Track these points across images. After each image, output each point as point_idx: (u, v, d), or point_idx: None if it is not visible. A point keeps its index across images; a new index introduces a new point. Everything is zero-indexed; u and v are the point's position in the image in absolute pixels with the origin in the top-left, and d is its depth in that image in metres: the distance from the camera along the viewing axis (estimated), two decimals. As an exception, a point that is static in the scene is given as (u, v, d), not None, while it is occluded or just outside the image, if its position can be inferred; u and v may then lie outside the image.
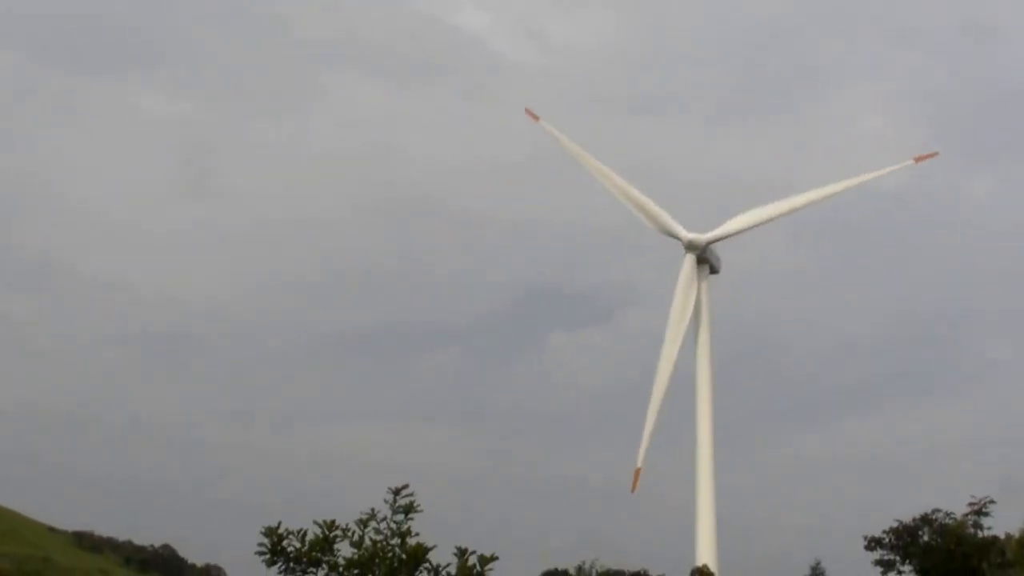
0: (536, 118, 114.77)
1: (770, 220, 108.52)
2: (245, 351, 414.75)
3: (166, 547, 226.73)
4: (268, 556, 26.21)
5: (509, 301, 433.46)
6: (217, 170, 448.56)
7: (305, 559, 26.30)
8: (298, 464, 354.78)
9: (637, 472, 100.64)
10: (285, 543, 26.35)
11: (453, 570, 27.12)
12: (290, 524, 26.81)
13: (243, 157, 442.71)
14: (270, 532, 26.29)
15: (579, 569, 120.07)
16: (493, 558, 27.52)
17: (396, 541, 27.01)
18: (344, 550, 26.81)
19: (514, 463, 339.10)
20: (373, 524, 27.05)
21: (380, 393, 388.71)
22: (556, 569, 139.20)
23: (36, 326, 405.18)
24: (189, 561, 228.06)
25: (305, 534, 26.53)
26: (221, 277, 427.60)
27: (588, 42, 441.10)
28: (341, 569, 26.50)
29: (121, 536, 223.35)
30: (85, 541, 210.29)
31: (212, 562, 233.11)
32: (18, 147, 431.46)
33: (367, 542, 26.89)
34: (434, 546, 27.28)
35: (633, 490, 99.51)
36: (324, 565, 26.48)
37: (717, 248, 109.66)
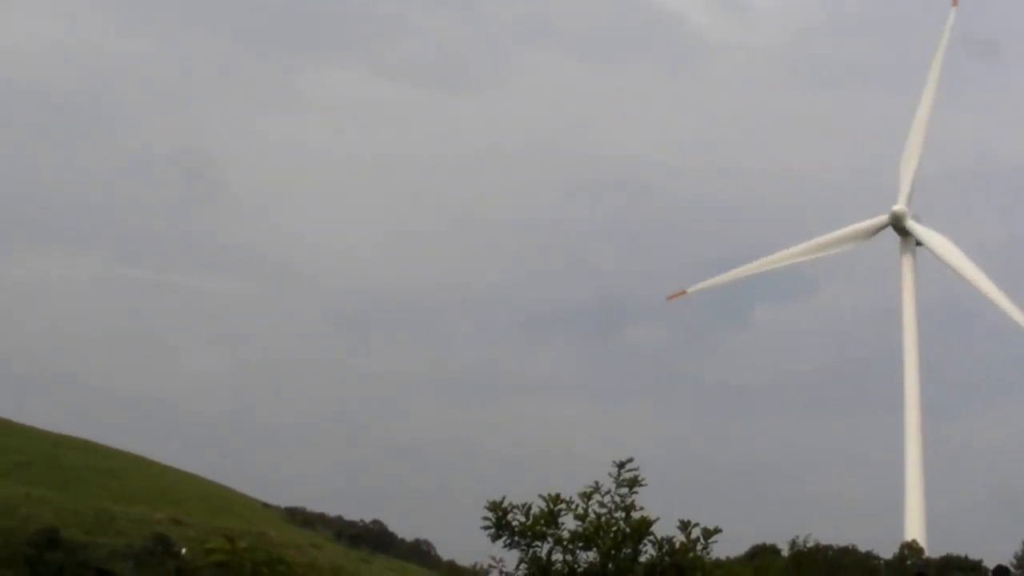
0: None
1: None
2: (456, 327, 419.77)
3: (376, 522, 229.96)
4: (493, 530, 26.11)
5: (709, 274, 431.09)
6: (415, 151, 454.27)
7: (530, 533, 26.12)
8: (507, 439, 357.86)
9: (682, 293, 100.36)
10: (510, 517, 26.22)
11: (677, 544, 26.78)
12: (494, 499, 26.64)
13: (443, 137, 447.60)
14: (495, 506, 26.17)
15: (792, 543, 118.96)
16: (716, 531, 27.17)
17: (620, 515, 26.70)
18: (568, 523, 26.59)
19: (728, 439, 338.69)
20: (597, 497, 26.77)
21: (588, 369, 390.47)
22: (766, 544, 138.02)
23: (251, 305, 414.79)
24: (399, 536, 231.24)
25: (530, 508, 26.34)
26: (427, 252, 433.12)
27: (792, 14, 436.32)
28: (566, 542, 26.27)
29: (332, 512, 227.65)
30: (297, 516, 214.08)
31: (421, 537, 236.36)
32: (225, 132, 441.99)
33: (591, 515, 26.62)
34: (657, 519, 26.96)
35: (669, 298, 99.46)
36: (549, 539, 26.28)
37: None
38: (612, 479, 26.92)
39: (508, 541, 26.07)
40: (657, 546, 26.65)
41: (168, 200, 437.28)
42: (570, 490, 26.85)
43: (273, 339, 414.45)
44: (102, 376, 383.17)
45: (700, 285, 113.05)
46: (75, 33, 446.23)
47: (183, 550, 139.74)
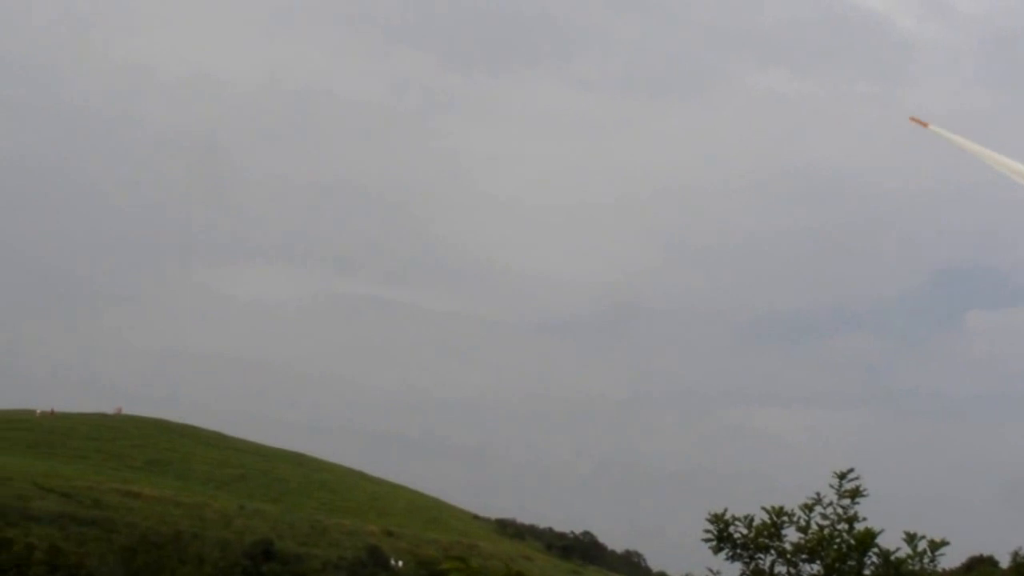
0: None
1: None
2: (665, 333, 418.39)
3: (586, 534, 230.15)
4: (715, 542, 25.67)
5: (921, 281, 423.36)
6: (624, 157, 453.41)
7: (752, 545, 25.61)
8: (717, 450, 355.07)
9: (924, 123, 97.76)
10: (732, 529, 25.75)
11: (903, 555, 25.99)
12: (715, 511, 26.20)
13: (646, 145, 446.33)
14: (717, 518, 25.72)
15: (1014, 555, 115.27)
16: (943, 543, 26.27)
17: (843, 526, 26.01)
18: (790, 536, 25.99)
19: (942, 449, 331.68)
20: (819, 509, 26.11)
21: (797, 377, 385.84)
22: (983, 555, 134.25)
23: (458, 318, 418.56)
24: (609, 547, 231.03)
25: (752, 520, 25.84)
26: (643, 258, 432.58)
27: (999, 15, 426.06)
28: (789, 555, 25.68)
29: (542, 523, 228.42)
30: (508, 528, 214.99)
31: (631, 548, 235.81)
32: (436, 146, 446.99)
33: (813, 527, 25.99)
34: (881, 531, 26.19)
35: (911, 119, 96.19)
36: (771, 551, 25.73)
37: None
38: (833, 490, 26.28)
39: (730, 553, 25.66)
40: (882, 558, 25.89)
41: (377, 217, 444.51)
42: (785, 501, 26.32)
43: (483, 354, 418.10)
44: (316, 391, 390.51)
45: (942, 131, 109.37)
46: (284, 58, 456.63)
47: (399, 562, 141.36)
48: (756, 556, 25.65)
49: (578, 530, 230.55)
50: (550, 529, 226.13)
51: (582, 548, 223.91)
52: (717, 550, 25.63)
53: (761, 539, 25.62)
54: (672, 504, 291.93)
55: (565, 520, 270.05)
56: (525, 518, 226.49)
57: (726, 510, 25.76)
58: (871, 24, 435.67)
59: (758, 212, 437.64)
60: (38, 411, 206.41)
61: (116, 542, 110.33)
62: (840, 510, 26.06)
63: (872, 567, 25.98)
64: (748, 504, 26.31)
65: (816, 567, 25.67)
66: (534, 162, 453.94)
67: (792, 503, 26.29)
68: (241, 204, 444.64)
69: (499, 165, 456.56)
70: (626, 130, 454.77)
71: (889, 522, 26.52)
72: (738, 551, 25.66)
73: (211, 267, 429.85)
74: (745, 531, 25.75)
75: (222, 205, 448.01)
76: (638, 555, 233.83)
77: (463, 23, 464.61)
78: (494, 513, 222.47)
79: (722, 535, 25.65)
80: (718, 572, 26.10)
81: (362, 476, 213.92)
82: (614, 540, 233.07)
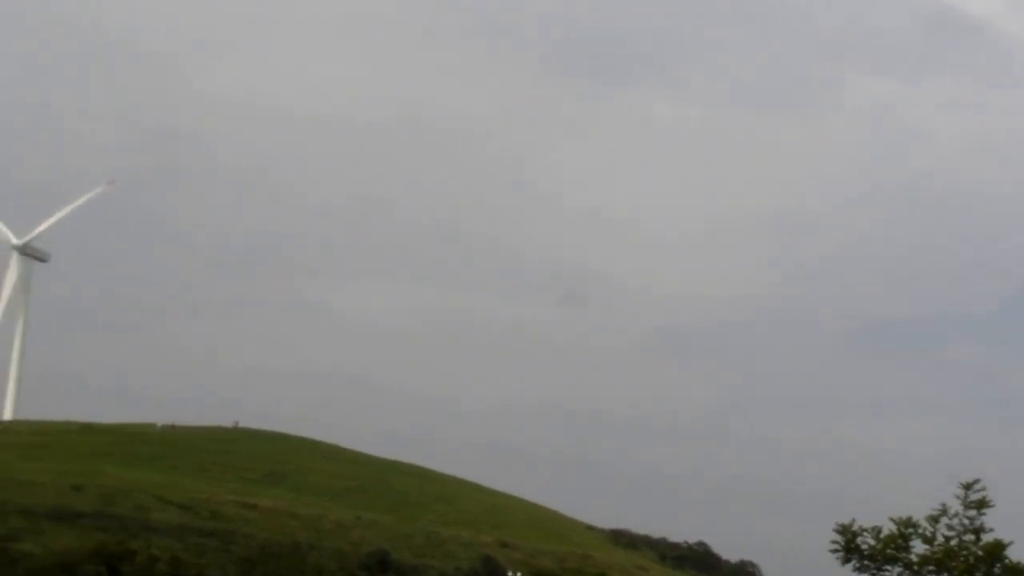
0: None
1: None
2: (775, 343, 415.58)
3: (700, 544, 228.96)
4: (842, 553, 25.62)
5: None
6: (728, 169, 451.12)
7: (879, 557, 25.52)
8: (825, 458, 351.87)
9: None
10: (859, 540, 25.69)
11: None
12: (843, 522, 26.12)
13: (756, 157, 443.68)
14: (844, 529, 25.69)
15: None
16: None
17: (970, 538, 25.79)
18: (917, 547, 25.84)
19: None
20: (944, 520, 25.91)
21: (910, 385, 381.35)
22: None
23: (570, 329, 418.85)
24: (723, 557, 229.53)
25: (879, 531, 25.74)
26: (751, 271, 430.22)
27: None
28: (916, 566, 25.55)
29: (656, 533, 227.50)
30: (622, 539, 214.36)
31: (746, 558, 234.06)
32: (533, 158, 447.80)
33: (939, 539, 25.81)
34: (1011, 542, 25.94)
35: None
36: (899, 563, 25.61)
37: None
38: (959, 500, 26.05)
39: (857, 565, 25.59)
40: (1011, 571, 25.65)
41: (492, 225, 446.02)
42: (902, 511, 26.17)
43: (595, 368, 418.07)
44: (431, 402, 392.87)
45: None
46: (395, 75, 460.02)
47: (517, 573, 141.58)
48: (883, 568, 25.58)
49: (692, 540, 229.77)
50: (664, 539, 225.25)
51: (696, 558, 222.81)
52: (845, 561, 25.60)
53: (889, 551, 25.53)
54: (786, 514, 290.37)
55: (679, 530, 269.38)
56: (639, 528, 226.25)
57: (853, 521, 25.72)
58: (977, 31, 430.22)
59: (868, 223, 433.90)
60: (158, 425, 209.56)
61: (235, 553, 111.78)
62: (966, 521, 25.85)
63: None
64: (861, 515, 26.24)
65: (943, 579, 25.51)
66: (640, 177, 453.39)
67: (904, 512, 26.18)
68: (355, 222, 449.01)
69: (603, 181, 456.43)
70: (734, 143, 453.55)
71: (1018, 533, 26.32)
72: (865, 562, 25.60)
73: (327, 284, 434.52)
74: (872, 542, 25.67)
75: (337, 223, 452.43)
76: (753, 566, 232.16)
77: (567, 39, 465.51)
78: (608, 523, 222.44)
79: (849, 546, 25.61)
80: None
81: (477, 487, 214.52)
82: (728, 550, 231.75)
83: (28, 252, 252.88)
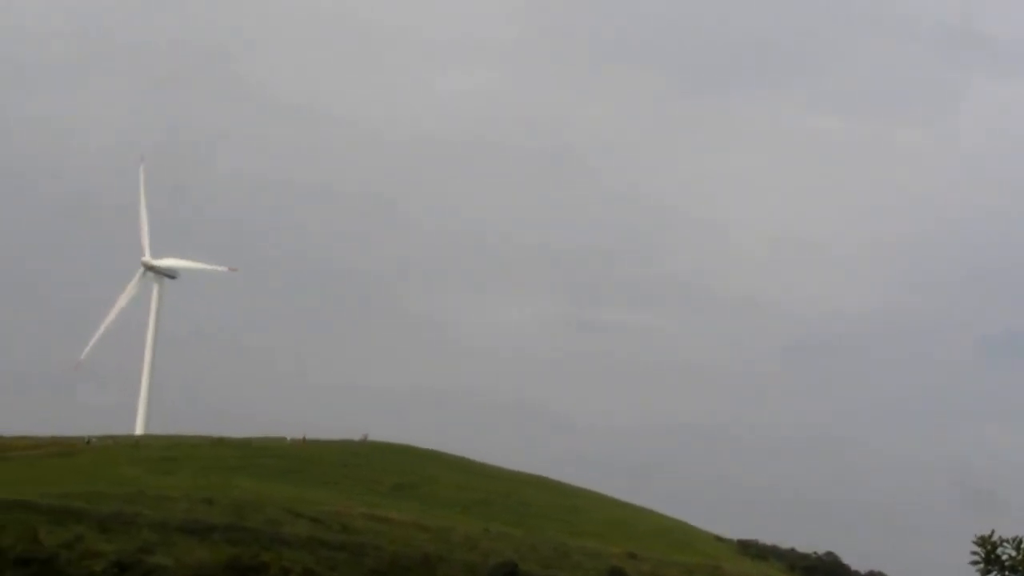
0: None
1: None
2: (904, 356, 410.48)
3: (829, 554, 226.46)
4: (983, 565, 25.25)
5: None
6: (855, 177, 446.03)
7: (1020, 568, 25.12)
8: (959, 467, 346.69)
9: None
10: (999, 551, 25.31)
11: None
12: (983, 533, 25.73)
13: (885, 163, 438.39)
14: (984, 541, 25.31)
15: None
16: None
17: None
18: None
19: None
20: (1088, 530, 25.49)
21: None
22: None
23: (693, 344, 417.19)
24: (852, 568, 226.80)
25: (1021, 542, 25.33)
26: (874, 282, 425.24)
27: None
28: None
29: (784, 544, 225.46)
30: (750, 549, 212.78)
31: (875, 569, 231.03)
32: (668, 171, 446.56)
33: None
34: None
35: None
36: (1039, 574, 25.20)
37: None
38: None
39: (998, 576, 25.21)
40: None
41: (621, 240, 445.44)
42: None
43: (723, 380, 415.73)
44: (559, 414, 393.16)
45: None
46: (517, 87, 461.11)
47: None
48: (1025, 579, 25.19)
49: (820, 550, 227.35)
50: (792, 550, 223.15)
51: (825, 569, 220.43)
52: (985, 573, 25.23)
53: (1031, 562, 25.13)
54: (917, 526, 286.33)
55: (807, 541, 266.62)
56: (767, 539, 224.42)
57: (993, 532, 25.34)
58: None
59: (994, 229, 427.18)
60: (289, 438, 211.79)
61: (366, 566, 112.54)
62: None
63: None
64: (1000, 526, 25.85)
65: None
66: (769, 185, 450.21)
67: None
68: (484, 241, 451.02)
69: (735, 188, 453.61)
70: (865, 149, 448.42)
71: None
72: (1006, 574, 25.22)
73: (454, 298, 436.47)
74: (1013, 553, 25.29)
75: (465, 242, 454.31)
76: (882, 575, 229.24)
77: (696, 46, 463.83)
78: (736, 534, 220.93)
79: (989, 558, 25.24)
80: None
81: (604, 499, 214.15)
82: (858, 561, 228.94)
83: (157, 269, 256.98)
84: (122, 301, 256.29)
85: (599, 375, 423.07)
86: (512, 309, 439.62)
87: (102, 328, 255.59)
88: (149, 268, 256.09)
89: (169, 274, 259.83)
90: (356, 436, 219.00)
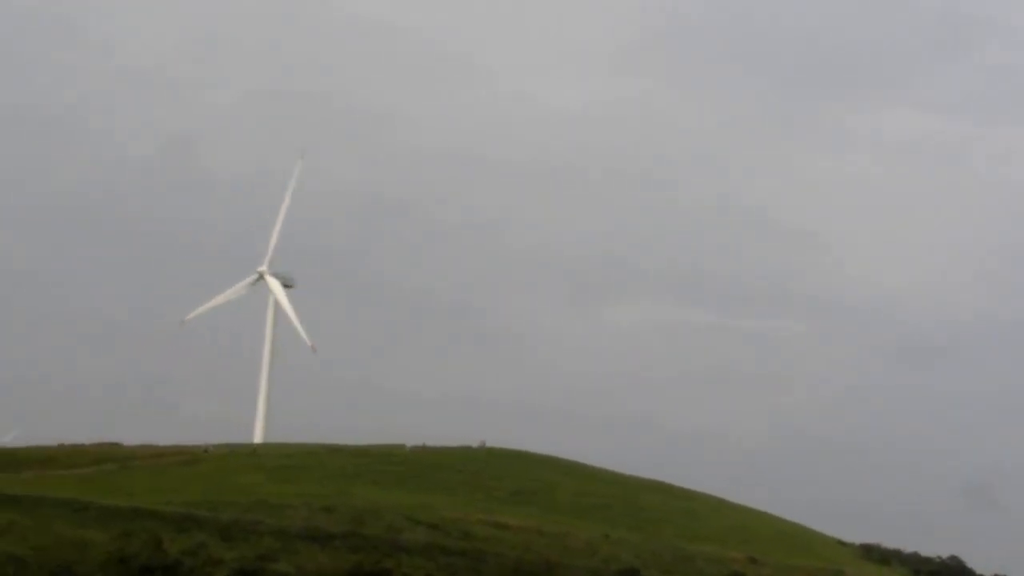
0: None
1: None
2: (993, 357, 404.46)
3: (953, 558, 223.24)
4: None
5: None
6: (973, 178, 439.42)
7: None
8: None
9: None
10: None
11: None
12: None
13: (998, 164, 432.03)
14: None
15: None
16: None
17: None
18: None
19: None
20: None
21: None
22: None
23: (805, 346, 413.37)
24: (977, 572, 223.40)
25: None
26: (987, 283, 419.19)
27: None
28: None
29: (907, 548, 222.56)
30: (873, 553, 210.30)
31: (1000, 573, 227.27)
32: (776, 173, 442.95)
33: None
34: None
35: None
36: None
37: None
38: None
39: None
40: None
41: (719, 243, 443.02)
42: None
43: (834, 382, 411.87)
44: (676, 418, 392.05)
45: None
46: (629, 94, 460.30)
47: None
48: None
49: (944, 554, 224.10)
50: (916, 553, 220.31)
51: (949, 572, 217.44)
52: None
53: None
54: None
55: (931, 544, 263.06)
56: (890, 542, 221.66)
57: None
58: None
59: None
60: (408, 446, 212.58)
61: (486, 573, 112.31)
62: None
63: None
64: None
65: None
66: (878, 188, 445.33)
67: None
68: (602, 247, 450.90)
69: (843, 191, 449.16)
70: (977, 151, 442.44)
71: None
72: None
73: (566, 309, 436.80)
74: None
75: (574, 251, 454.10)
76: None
77: (802, 50, 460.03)
78: (859, 538, 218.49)
79: None
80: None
81: (722, 503, 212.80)
82: (983, 565, 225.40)
83: (275, 277, 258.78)
84: (229, 293, 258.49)
85: (715, 382, 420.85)
86: (623, 317, 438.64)
87: (213, 301, 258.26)
88: (265, 276, 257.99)
89: (287, 283, 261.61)
90: (474, 443, 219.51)
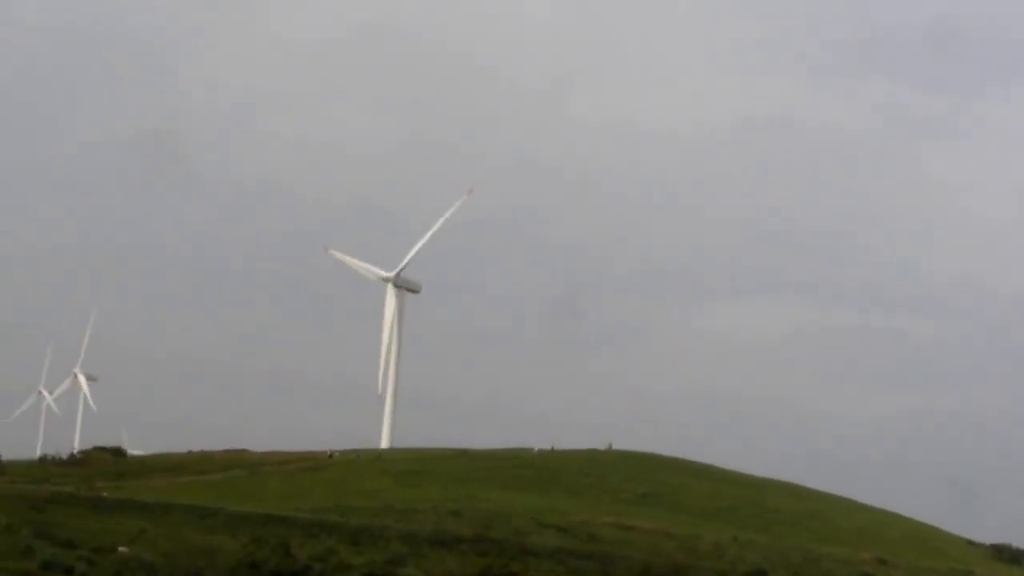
0: None
1: None
2: None
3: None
4: None
5: None
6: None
7: None
8: None
9: None
10: None
11: None
12: None
13: None
14: None
15: None
16: None
17: None
18: None
19: None
20: None
21: None
22: None
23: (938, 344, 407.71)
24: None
25: None
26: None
27: None
28: None
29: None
30: (1005, 553, 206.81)
31: None
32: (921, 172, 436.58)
33: None
34: None
35: None
36: None
37: None
38: None
39: None
40: None
41: (857, 246, 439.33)
42: None
43: (961, 378, 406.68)
44: (813, 421, 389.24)
45: None
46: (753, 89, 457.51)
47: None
48: None
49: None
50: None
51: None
52: None
53: None
54: None
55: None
56: (1022, 542, 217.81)
57: None
58: None
59: None
60: (536, 448, 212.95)
61: (613, 575, 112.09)
62: None
63: None
64: None
65: None
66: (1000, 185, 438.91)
67: None
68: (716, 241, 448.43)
69: (983, 189, 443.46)
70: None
71: None
72: None
73: (689, 305, 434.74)
74: None
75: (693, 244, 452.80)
76: None
77: (937, 46, 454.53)
78: (989, 538, 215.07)
79: None
80: None
81: (852, 504, 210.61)
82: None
83: (400, 284, 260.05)
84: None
85: (846, 378, 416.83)
86: (759, 312, 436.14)
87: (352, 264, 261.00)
88: (392, 283, 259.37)
89: (412, 289, 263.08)
90: (601, 446, 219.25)
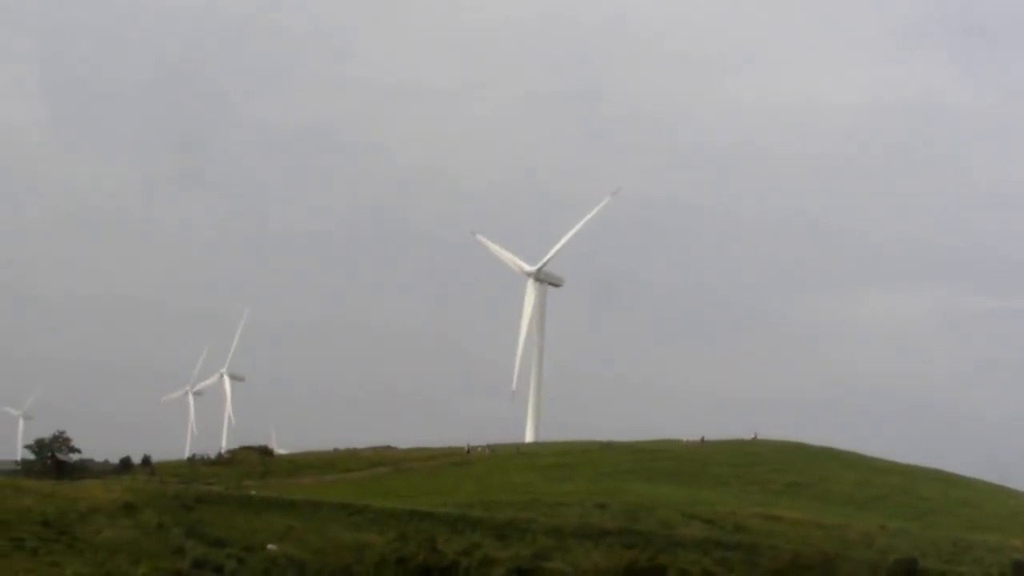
0: None
1: None
2: None
3: None
4: None
5: None
6: None
7: None
8: None
9: None
10: None
11: None
12: None
13: None
14: None
15: None
16: None
17: None
18: None
19: None
20: None
21: None
22: None
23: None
24: None
25: None
26: None
27: None
28: None
29: None
30: None
31: None
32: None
33: None
34: None
35: None
36: None
37: None
38: None
39: None
40: None
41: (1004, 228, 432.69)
42: None
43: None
44: (965, 408, 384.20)
45: None
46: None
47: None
48: None
49: None
50: None
51: None
52: None
53: None
54: None
55: None
56: None
57: None
58: None
59: None
60: (684, 440, 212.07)
61: (762, 565, 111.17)
62: None
63: None
64: None
65: None
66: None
67: None
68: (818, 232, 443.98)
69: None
70: None
71: None
72: None
73: (835, 291, 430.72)
74: None
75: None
76: None
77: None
78: None
79: None
80: None
81: (1003, 490, 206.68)
82: None
83: (542, 278, 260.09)
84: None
85: (995, 369, 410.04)
86: (896, 304, 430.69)
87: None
88: (534, 277, 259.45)
89: (554, 282, 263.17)
90: (747, 436, 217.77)
